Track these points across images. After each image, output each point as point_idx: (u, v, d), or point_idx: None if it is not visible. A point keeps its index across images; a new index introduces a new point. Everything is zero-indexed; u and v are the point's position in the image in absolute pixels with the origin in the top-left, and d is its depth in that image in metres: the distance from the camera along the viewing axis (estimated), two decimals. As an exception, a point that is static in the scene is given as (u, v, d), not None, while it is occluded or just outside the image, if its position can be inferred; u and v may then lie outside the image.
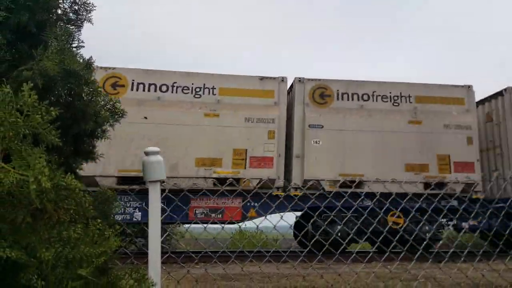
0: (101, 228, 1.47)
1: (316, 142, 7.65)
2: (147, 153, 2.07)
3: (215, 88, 7.84)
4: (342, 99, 8.00)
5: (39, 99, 1.21)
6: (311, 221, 6.33)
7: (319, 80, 8.11)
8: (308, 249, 2.94)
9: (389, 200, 2.86)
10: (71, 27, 1.86)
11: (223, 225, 3.02)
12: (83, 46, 1.72)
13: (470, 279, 3.00)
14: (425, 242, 3.46)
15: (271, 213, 5.75)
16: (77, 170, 2.01)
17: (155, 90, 7.72)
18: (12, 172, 0.93)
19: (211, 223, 4.43)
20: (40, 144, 0.96)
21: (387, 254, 2.83)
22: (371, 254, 2.84)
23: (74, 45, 1.72)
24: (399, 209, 3.00)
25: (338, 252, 2.87)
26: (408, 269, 2.95)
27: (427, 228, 6.90)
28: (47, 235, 0.97)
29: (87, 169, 2.21)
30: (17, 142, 0.97)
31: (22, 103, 0.93)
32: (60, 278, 1.23)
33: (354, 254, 2.83)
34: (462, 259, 2.77)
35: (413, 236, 3.29)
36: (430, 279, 3.40)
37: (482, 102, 9.28)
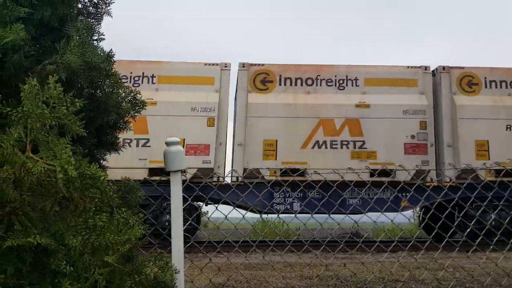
0: (126, 216, 1.51)
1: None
2: (168, 144, 2.10)
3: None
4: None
5: (64, 92, 1.24)
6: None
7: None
8: (329, 238, 2.91)
9: None
10: (91, 21, 1.90)
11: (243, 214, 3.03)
12: (103, 39, 1.75)
13: (501, 269, 2.91)
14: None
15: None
16: (101, 161, 2.07)
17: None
18: (40, 162, 0.95)
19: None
20: (66, 135, 0.98)
21: (411, 242, 2.78)
22: (395, 243, 2.79)
23: (94, 38, 1.74)
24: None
25: (361, 241, 2.84)
26: (434, 258, 2.88)
27: None
28: (73, 223, 1.00)
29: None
30: (44, 133, 0.99)
31: (48, 95, 0.95)
32: (87, 265, 1.27)
33: (377, 243, 2.79)
34: (491, 247, 2.68)
35: None
36: (458, 268, 3.32)
37: None
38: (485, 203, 3.04)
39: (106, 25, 2.02)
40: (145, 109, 2.20)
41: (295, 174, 3.06)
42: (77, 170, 0.93)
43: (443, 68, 7.96)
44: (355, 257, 3.71)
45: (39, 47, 1.72)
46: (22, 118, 0.95)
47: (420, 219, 8.12)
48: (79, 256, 1.09)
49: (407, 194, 6.76)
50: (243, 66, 7.89)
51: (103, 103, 1.87)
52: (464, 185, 3.06)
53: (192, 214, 7.15)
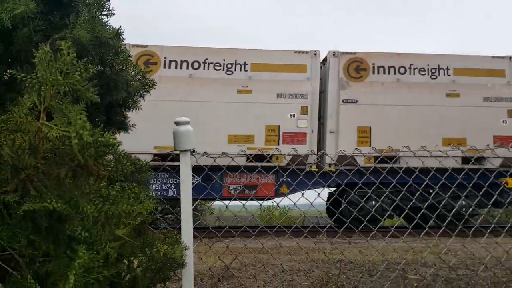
0: (136, 191, 1.52)
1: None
2: (177, 123, 2.09)
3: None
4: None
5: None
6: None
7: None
8: (332, 224, 2.92)
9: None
10: (100, -4, 1.88)
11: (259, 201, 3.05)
12: (114, 14, 1.73)
13: (502, 247, 2.95)
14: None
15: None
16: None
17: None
18: (55, 129, 0.96)
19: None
20: (80, 101, 0.98)
21: (426, 230, 2.79)
22: (409, 230, 2.80)
23: (104, 13, 1.73)
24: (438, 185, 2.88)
25: (360, 228, 2.87)
26: (446, 244, 2.91)
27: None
28: (88, 190, 1.01)
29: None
30: (58, 101, 0.99)
31: (61, 62, 0.94)
32: (99, 239, 1.29)
33: (392, 230, 2.80)
34: (502, 235, 2.71)
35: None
36: (457, 251, 3.35)
37: None
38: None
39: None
40: (155, 88, 2.19)
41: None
42: (92, 137, 0.93)
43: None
44: (360, 242, 3.75)
45: (48, 22, 1.71)
46: (36, 85, 0.94)
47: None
48: (93, 224, 1.10)
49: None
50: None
51: (113, 80, 1.87)
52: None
53: None
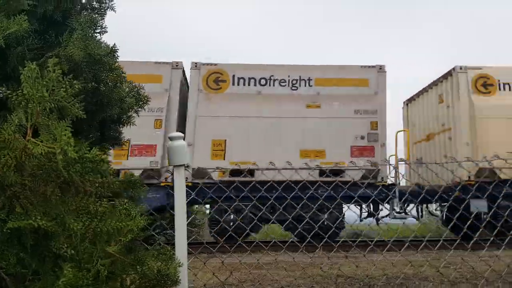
0: (128, 207, 1.51)
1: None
2: (171, 138, 2.10)
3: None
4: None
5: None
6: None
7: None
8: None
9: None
10: (94, 15, 1.91)
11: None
12: (106, 32, 1.76)
13: (503, 262, 2.90)
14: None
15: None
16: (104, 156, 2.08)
17: None
18: (40, 145, 0.96)
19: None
20: (66, 118, 0.98)
21: (407, 244, 2.76)
22: (407, 244, 2.77)
23: (97, 31, 1.75)
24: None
25: (358, 240, 2.83)
26: (432, 257, 2.86)
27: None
28: (74, 206, 1.00)
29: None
30: (44, 117, 1.00)
31: (47, 78, 0.95)
32: (89, 257, 1.27)
33: (389, 244, 2.76)
34: (502, 248, 2.66)
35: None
36: (460, 264, 3.30)
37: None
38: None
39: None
40: (149, 104, 2.21)
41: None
42: (77, 153, 0.93)
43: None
44: (357, 256, 3.70)
45: (43, 41, 1.74)
46: (22, 102, 0.95)
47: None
48: (80, 241, 1.09)
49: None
50: None
51: (106, 97, 1.88)
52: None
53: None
